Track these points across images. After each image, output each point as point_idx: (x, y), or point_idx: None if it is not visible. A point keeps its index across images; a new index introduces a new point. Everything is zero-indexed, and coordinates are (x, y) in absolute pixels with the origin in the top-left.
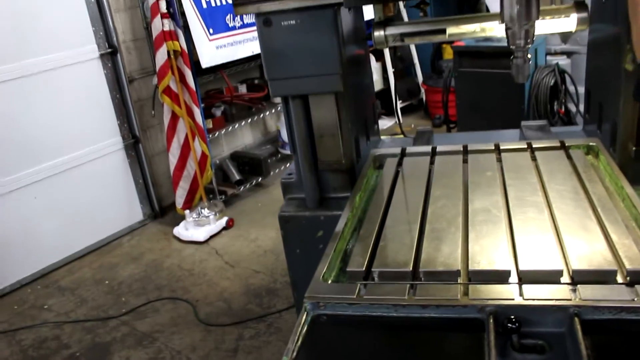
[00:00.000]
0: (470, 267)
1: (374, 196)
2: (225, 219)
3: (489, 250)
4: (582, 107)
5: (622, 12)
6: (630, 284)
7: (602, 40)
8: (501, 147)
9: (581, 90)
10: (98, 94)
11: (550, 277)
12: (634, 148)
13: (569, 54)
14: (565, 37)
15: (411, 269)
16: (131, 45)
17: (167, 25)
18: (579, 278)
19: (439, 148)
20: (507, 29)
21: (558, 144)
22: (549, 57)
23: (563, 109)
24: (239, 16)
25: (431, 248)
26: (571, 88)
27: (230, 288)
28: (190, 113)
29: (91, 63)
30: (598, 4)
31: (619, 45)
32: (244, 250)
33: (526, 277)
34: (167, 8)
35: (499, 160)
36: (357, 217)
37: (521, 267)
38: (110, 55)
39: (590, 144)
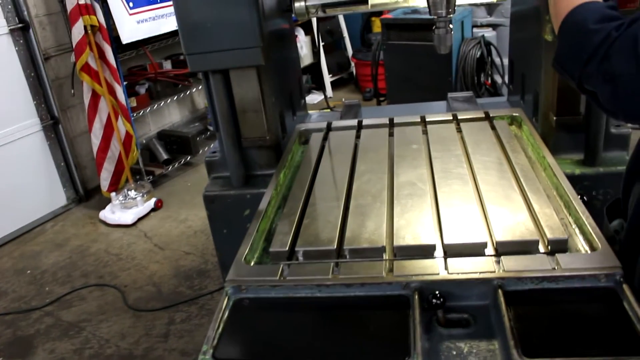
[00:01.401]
0: (395, 243)
1: (299, 172)
2: (153, 200)
3: (414, 225)
4: (507, 79)
5: None
6: (551, 253)
7: (524, 12)
8: (427, 120)
9: (506, 61)
10: (10, 73)
11: (474, 250)
12: (554, 118)
13: (494, 26)
14: (490, 9)
15: (336, 247)
16: (45, 20)
17: None
18: (503, 249)
19: (365, 121)
20: None
21: (482, 115)
22: (475, 30)
23: (489, 81)
24: None
25: (356, 224)
26: (497, 60)
27: (159, 271)
28: (111, 91)
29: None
30: None
31: (539, 17)
32: (174, 232)
33: (451, 251)
34: None
35: (425, 132)
36: (282, 194)
37: (446, 241)
38: (21, 30)
39: (514, 114)
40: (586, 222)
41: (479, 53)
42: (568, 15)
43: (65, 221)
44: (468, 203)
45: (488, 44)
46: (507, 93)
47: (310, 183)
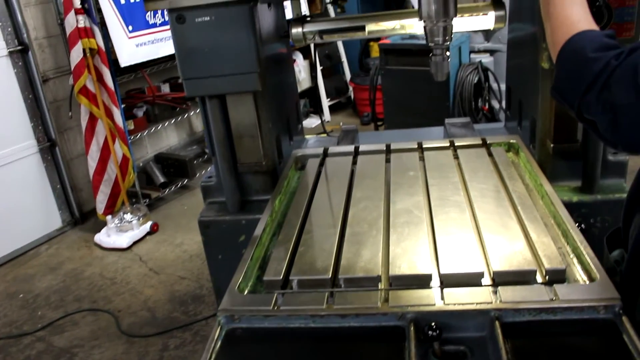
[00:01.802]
0: (391, 272)
1: (295, 199)
2: (149, 223)
3: (410, 254)
4: (504, 104)
5: (539, 11)
6: (549, 284)
7: (521, 38)
8: (424, 146)
9: (504, 87)
10: (7, 95)
11: (471, 280)
12: (552, 145)
13: (491, 51)
14: (488, 35)
15: (330, 275)
16: (44, 43)
17: (82, 21)
18: (500, 279)
19: (362, 147)
20: (425, 26)
21: (480, 142)
22: (472, 55)
23: (487, 106)
24: (159, 12)
25: (351, 253)
26: (494, 85)
27: (154, 296)
28: (109, 114)
29: None
30: (516, 3)
31: (536, 44)
32: (169, 256)
33: (447, 281)
34: (82, 3)
35: (422, 159)
36: (277, 221)
37: (442, 271)
38: (20, 53)
39: (511, 141)
40: (584, 252)
41: (476, 78)
42: (566, 43)
43: (60, 244)
44: (465, 231)
45: (485, 70)
46: (504, 119)
47: (306, 210)
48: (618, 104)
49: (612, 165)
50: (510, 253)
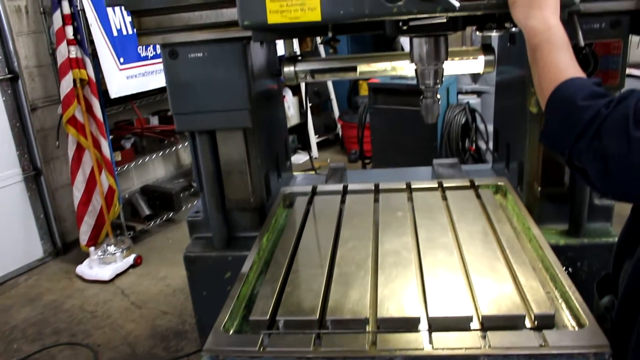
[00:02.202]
0: (379, 315)
1: (282, 237)
2: (132, 256)
3: (398, 296)
4: (491, 145)
5: (526, 55)
6: (538, 329)
7: (509, 81)
8: (412, 186)
9: (490, 128)
10: None
11: (460, 324)
12: (539, 188)
13: (479, 93)
14: (475, 77)
15: (318, 317)
16: (35, 72)
17: (74, 52)
18: (489, 324)
19: (350, 186)
20: (416, 69)
21: (468, 183)
22: (460, 96)
23: (474, 147)
24: (151, 46)
25: (339, 294)
26: (481, 126)
27: (135, 331)
28: (97, 145)
29: None
30: (504, 47)
31: (524, 87)
32: (152, 290)
33: (436, 324)
34: (75, 34)
35: (410, 199)
36: (264, 259)
37: (431, 314)
38: (10, 81)
39: (499, 183)
40: (573, 297)
41: (463, 119)
42: (555, 90)
43: (40, 275)
44: (453, 274)
45: (473, 111)
46: (491, 160)
47: (294, 248)
48: (609, 153)
49: (599, 209)
50: (499, 297)
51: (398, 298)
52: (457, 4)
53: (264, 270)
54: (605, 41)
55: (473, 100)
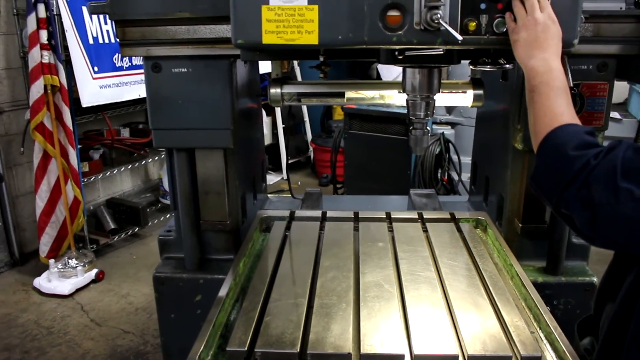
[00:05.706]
0: (362, 350)
1: (260, 263)
2: (94, 271)
3: (381, 331)
4: (464, 176)
5: (513, 91)
6: None
7: (491, 115)
8: (392, 217)
9: (464, 159)
10: None
11: None
12: (520, 224)
13: (453, 124)
14: (450, 108)
15: (298, 350)
16: (3, 74)
17: (47, 57)
18: None
19: (329, 213)
20: (407, 99)
21: (448, 216)
22: (434, 127)
23: (446, 177)
24: (127, 57)
25: (320, 326)
26: (454, 157)
27: (94, 350)
28: (64, 154)
29: None
30: (489, 80)
31: (506, 121)
32: (113, 307)
33: None
34: (49, 39)
35: (391, 230)
36: (240, 285)
37: (415, 351)
38: None
39: (479, 217)
40: (558, 339)
41: (438, 149)
42: (547, 136)
43: None
44: (437, 310)
45: (447, 142)
46: (465, 192)
47: (272, 276)
48: (597, 202)
49: (576, 247)
50: (485, 336)
51: (381, 333)
52: (459, 37)
53: (240, 297)
54: (592, 83)
55: (447, 131)
